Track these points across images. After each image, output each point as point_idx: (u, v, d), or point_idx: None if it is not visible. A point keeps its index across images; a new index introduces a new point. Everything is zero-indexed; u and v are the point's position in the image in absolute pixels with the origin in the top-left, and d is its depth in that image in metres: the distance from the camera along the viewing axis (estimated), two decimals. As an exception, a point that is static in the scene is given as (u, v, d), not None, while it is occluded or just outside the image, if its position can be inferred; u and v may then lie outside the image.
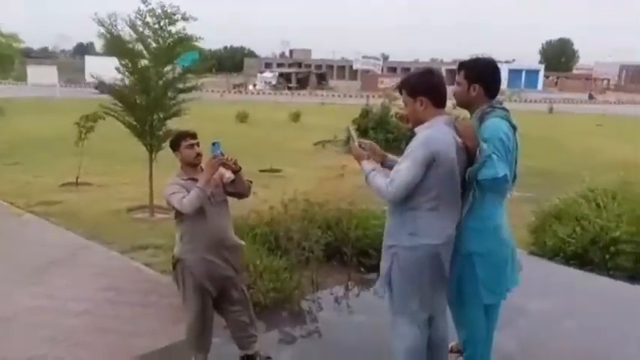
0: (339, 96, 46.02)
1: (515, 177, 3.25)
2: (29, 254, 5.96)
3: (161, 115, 7.38)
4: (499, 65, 3.42)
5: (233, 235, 3.59)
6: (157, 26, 7.18)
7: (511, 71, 59.86)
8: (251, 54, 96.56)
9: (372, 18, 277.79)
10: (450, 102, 3.16)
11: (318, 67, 72.98)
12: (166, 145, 3.96)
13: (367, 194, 4.01)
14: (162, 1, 7.12)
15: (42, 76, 39.53)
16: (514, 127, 3.17)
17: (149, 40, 7.25)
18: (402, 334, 3.11)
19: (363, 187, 3.33)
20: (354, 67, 68.41)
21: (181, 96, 7.51)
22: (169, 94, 7.43)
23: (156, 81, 7.31)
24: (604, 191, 6.42)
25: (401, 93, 3.12)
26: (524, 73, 64.96)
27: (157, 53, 7.26)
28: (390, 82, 46.43)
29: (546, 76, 70.75)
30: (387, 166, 3.20)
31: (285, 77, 59.06)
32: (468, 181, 3.02)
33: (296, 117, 22.04)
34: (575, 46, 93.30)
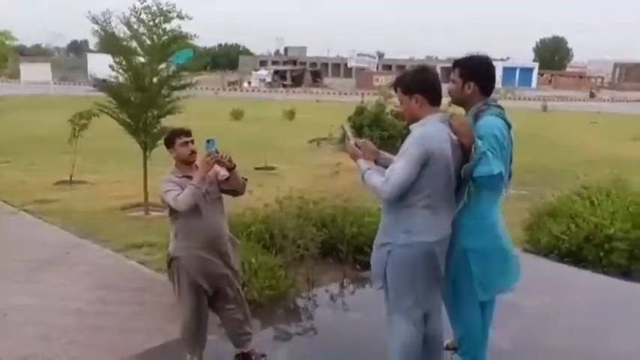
0: (334, 93, 46.03)
1: (510, 175, 3.26)
2: (23, 253, 5.93)
3: (155, 113, 7.36)
4: (493, 63, 3.43)
5: (228, 233, 3.59)
6: (151, 23, 7.15)
7: (505, 69, 59.96)
8: (246, 52, 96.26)
9: (367, 15, 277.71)
10: (445, 99, 3.16)
11: (313, 64, 72.82)
12: (161, 142, 3.94)
13: (362, 192, 4.01)
14: (157, -1, 7.10)
15: (35, 73, 39.25)
16: (509, 125, 3.18)
17: (144, 37, 7.22)
18: (398, 331, 3.11)
19: (358, 185, 3.33)
20: (349, 65, 68.26)
21: (176, 93, 7.49)
22: (164, 91, 7.41)
23: (150, 78, 7.29)
24: (598, 189, 6.44)
25: (396, 91, 3.13)
26: (518, 71, 65.06)
27: (152, 51, 7.23)
28: (385, 79, 46.38)
29: (540, 74, 70.87)
30: (381, 164, 3.20)
31: (280, 75, 58.99)
32: (464, 178, 3.03)
33: (291, 114, 22.01)
34: (569, 45, 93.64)
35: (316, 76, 62.67)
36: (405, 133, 3.24)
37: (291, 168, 11.13)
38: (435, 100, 3.03)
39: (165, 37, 7.23)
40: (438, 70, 3.84)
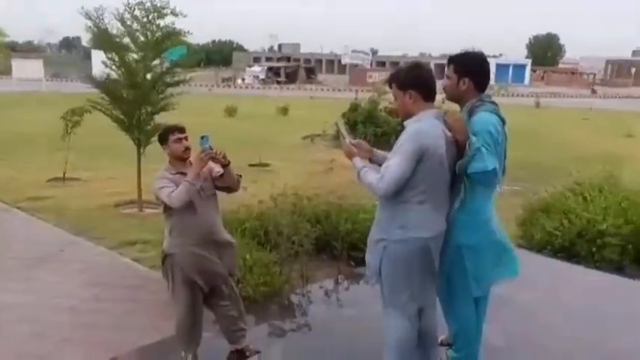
0: (327, 90, 45.94)
1: (504, 170, 3.27)
2: (16, 250, 5.91)
3: (149, 110, 7.32)
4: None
5: (223, 230, 3.58)
6: (145, 20, 7.11)
7: (499, 66, 60.02)
8: (240, 48, 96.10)
9: (361, 12, 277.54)
10: (440, 96, 3.17)
11: (307, 61, 72.80)
12: (155, 139, 3.93)
13: (356, 188, 4.01)
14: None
15: (27, 70, 38.97)
16: (503, 121, 3.19)
17: (137, 33, 7.19)
18: (393, 327, 3.13)
19: (352, 182, 3.33)
20: (343, 62, 68.24)
21: (169, 90, 7.46)
22: (157, 88, 7.38)
23: (144, 75, 7.26)
24: (590, 185, 6.49)
25: (390, 87, 3.14)
26: (511, 68, 65.24)
27: (145, 47, 7.19)
28: (379, 76, 46.41)
29: (533, 70, 71.12)
30: (375, 161, 3.22)
31: (273, 71, 58.79)
32: (458, 174, 3.04)
33: (285, 111, 21.98)
34: (562, 41, 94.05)
35: (310, 73, 62.55)
36: (399, 130, 3.25)
37: (285, 165, 11.12)
38: (428, 96, 3.04)
39: (159, 33, 7.19)
40: (432, 67, 3.86)
